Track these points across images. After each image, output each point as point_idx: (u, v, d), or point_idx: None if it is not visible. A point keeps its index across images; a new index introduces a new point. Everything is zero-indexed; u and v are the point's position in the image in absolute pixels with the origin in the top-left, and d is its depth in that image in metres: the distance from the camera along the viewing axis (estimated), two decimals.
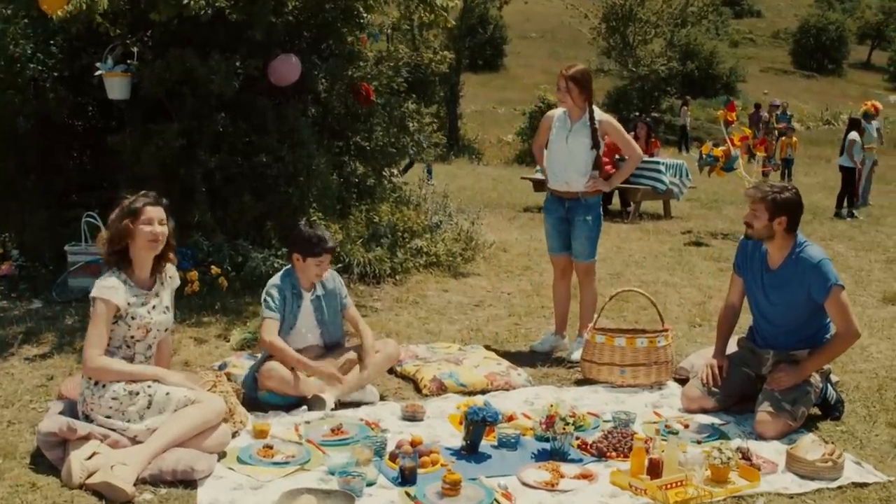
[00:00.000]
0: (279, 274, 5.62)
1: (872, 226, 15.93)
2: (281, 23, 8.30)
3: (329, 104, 9.22)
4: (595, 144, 6.54)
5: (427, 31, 21.70)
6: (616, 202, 15.62)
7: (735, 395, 5.50)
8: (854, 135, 16.97)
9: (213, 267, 7.81)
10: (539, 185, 15.18)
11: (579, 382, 6.16)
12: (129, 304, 4.43)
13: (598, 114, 6.61)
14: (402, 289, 8.59)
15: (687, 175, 15.08)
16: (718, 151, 12.84)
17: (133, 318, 4.45)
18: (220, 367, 5.80)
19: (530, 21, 66.35)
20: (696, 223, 14.58)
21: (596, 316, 6.38)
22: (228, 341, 6.63)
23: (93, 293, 4.37)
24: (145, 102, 8.28)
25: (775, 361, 5.43)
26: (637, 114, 35.92)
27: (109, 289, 4.36)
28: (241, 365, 5.79)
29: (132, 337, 4.48)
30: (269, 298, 5.42)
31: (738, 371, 5.53)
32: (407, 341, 6.88)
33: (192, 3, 7.02)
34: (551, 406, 4.81)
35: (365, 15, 8.79)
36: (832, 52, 66.80)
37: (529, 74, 50.99)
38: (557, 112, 6.75)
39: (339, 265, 8.45)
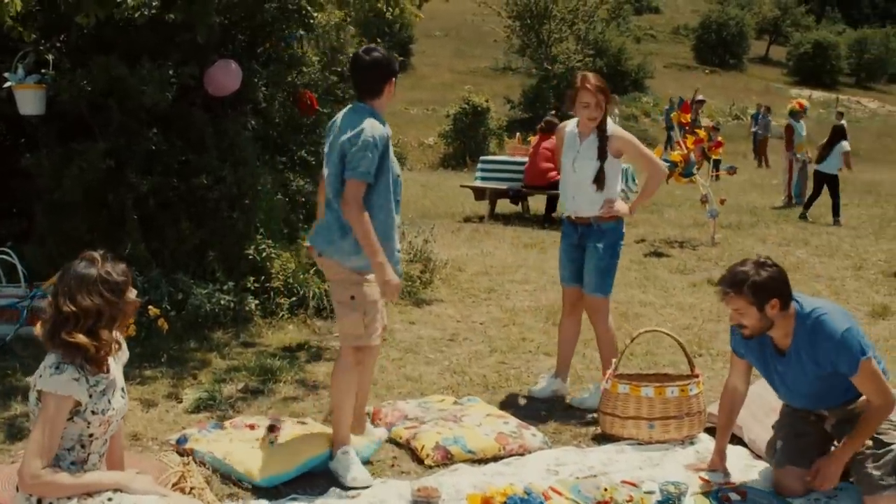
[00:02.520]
0: None
1: (821, 227, 15.53)
2: (216, 24, 7.26)
3: (270, 115, 8.22)
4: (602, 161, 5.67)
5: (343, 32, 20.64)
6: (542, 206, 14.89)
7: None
8: (845, 144, 16.49)
9: (150, 307, 6.70)
10: (480, 194, 14.34)
11: (598, 439, 5.33)
12: (90, 396, 3.42)
13: (611, 128, 5.74)
14: None
15: (633, 180, 14.39)
16: (676, 156, 12.15)
17: (94, 412, 3.43)
18: (181, 442, 4.80)
19: (434, 19, 65.46)
20: (644, 230, 13.89)
21: (615, 361, 5.52)
22: (181, 402, 5.61)
23: (43, 387, 3.33)
24: (63, 118, 7.19)
25: (836, 422, 4.58)
26: (552, 112, 35.43)
27: (69, 382, 3.34)
28: (206, 438, 4.80)
29: (90, 435, 3.46)
30: None
31: (809, 441, 4.60)
32: (387, 392, 5.97)
33: (128, 2, 5.90)
34: (605, 491, 3.95)
35: (315, 15, 7.79)
36: (733, 48, 67.66)
37: (437, 73, 50.16)
38: (569, 126, 5.87)
39: (293, 298, 7.48)
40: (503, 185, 14.23)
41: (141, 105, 7.00)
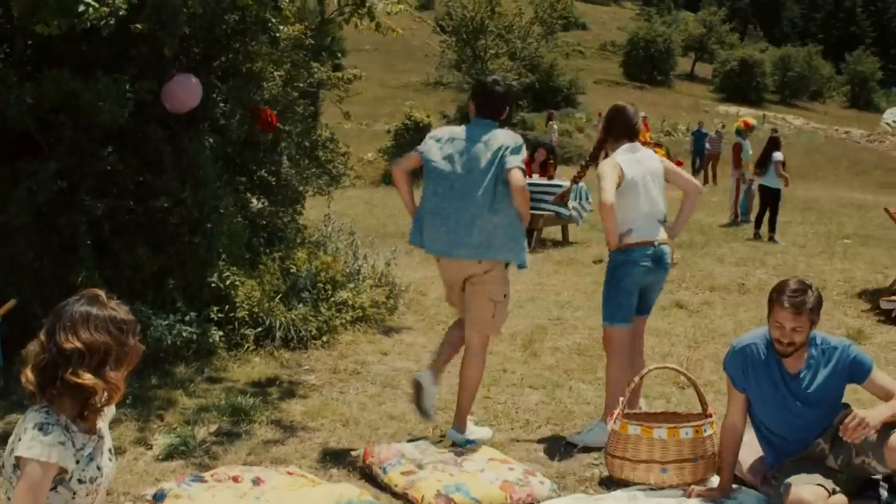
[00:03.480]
0: None
1: (771, 245, 15.46)
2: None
3: (228, 133, 7.73)
4: None
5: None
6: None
7: None
8: (778, 154, 16.44)
9: None
10: None
11: (606, 483, 4.97)
12: (77, 461, 2.96)
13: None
14: (333, 354, 7.20)
15: (587, 198, 14.16)
16: None
17: (81, 480, 2.97)
18: (158, 498, 4.32)
19: (364, 33, 65.23)
20: (601, 250, 13.60)
21: (622, 400, 5.16)
22: (151, 448, 5.13)
23: (23, 452, 2.86)
24: (8, 135, 6.63)
25: (832, 446, 4.43)
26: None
27: (54, 447, 2.87)
28: (186, 493, 4.32)
29: None
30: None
31: (816, 466, 4.41)
32: (372, 433, 5.56)
33: (89, 10, 5.39)
34: None
35: (280, 28, 7.35)
36: (661, 64, 68.55)
37: (368, 87, 49.63)
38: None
39: (259, 329, 7.02)
40: None
41: (94, 122, 6.49)
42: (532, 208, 12.78)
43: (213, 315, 6.79)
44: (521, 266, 5.38)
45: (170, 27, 6.14)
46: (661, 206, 5.62)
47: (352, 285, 8.01)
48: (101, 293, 3.03)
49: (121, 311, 3.01)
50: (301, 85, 8.27)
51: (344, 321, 7.69)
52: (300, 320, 7.20)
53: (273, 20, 7.19)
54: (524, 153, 5.21)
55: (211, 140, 7.54)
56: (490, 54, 32.15)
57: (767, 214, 16.38)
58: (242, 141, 7.96)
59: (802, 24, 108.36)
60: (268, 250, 7.73)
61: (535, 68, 43.53)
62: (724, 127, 32.48)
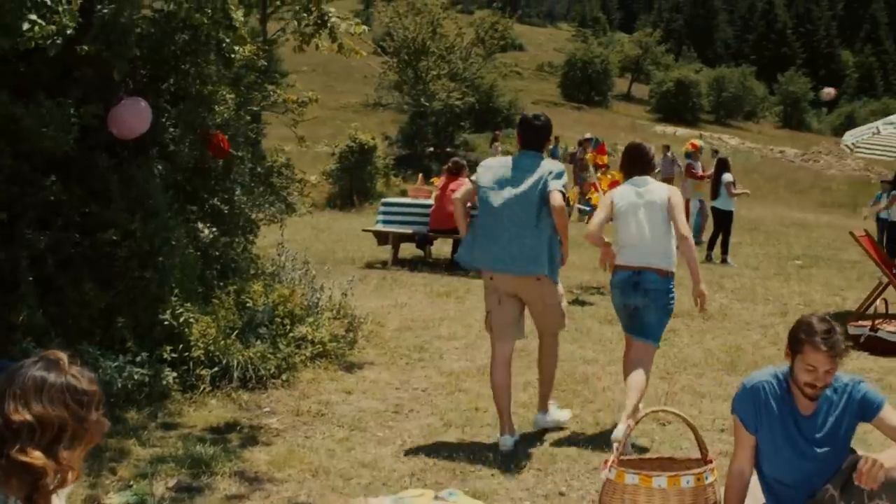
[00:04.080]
0: None
1: (726, 267, 15.33)
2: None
3: (178, 159, 7.30)
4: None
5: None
6: (445, 250, 14.25)
7: None
8: (728, 176, 16.35)
9: None
10: (383, 238, 13.58)
11: None
12: None
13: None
14: (295, 394, 6.78)
15: None
16: (597, 199, 11.65)
17: None
18: None
19: (301, 54, 64.64)
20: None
21: (617, 446, 4.82)
22: None
23: None
24: None
25: (842, 491, 4.15)
26: (431, 149, 34.93)
27: None
28: None
29: None
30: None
31: None
32: (345, 484, 5.15)
33: (35, 28, 4.93)
34: None
35: (235, 49, 6.94)
36: (598, 85, 68.83)
37: (308, 109, 49.18)
38: None
39: (215, 368, 6.58)
40: (407, 229, 13.49)
41: (36, 149, 6.03)
42: None
43: (166, 355, 6.34)
44: (555, 282, 6.10)
45: (118, 48, 5.72)
46: (652, 234, 6.05)
47: (311, 319, 7.60)
48: (63, 357, 2.61)
49: (83, 379, 2.60)
50: (255, 108, 7.86)
51: (304, 357, 7.28)
52: (258, 358, 6.77)
53: (227, 40, 6.79)
54: (565, 178, 5.92)
55: (160, 167, 7.09)
56: (432, 75, 31.82)
57: (720, 237, 16.33)
58: (192, 168, 7.53)
59: (735, 46, 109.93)
60: (221, 283, 7.30)
61: (476, 89, 43.36)
62: (667, 148, 32.41)
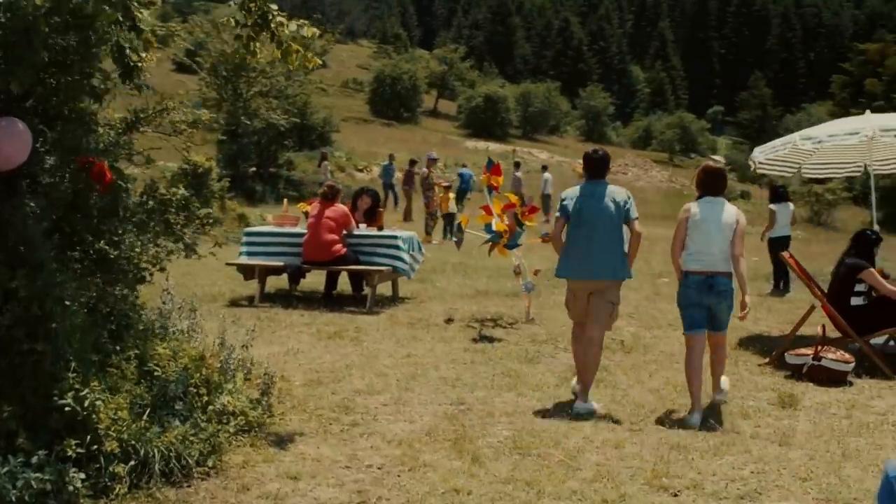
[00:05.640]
0: None
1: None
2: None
3: (55, 194, 5.81)
4: None
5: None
6: (344, 285, 12.98)
7: None
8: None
9: None
10: (249, 273, 12.14)
11: None
12: None
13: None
14: (230, 486, 5.38)
15: (420, 249, 12.80)
16: (501, 226, 10.65)
17: None
18: None
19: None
20: (446, 305, 12.30)
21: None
22: None
23: None
24: None
25: None
26: (254, 168, 33.24)
27: None
28: None
29: None
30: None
31: None
32: None
33: None
34: None
35: (141, 54, 5.52)
36: (408, 101, 68.58)
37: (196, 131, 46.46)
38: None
39: (133, 463, 5.14)
40: (276, 261, 12.10)
41: None
42: (365, 262, 11.17)
43: (70, 451, 4.86)
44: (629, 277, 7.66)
45: (18, 50, 4.25)
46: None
47: (229, 385, 6.23)
48: None
49: None
50: (148, 130, 6.43)
51: (228, 434, 5.91)
52: (180, 443, 5.38)
53: (129, 44, 5.38)
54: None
55: (33, 204, 5.60)
56: (253, 92, 30.22)
57: None
58: (70, 204, 6.04)
59: (534, 62, 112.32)
60: (118, 347, 5.83)
61: (292, 106, 41.93)
62: (517, 166, 32.00)
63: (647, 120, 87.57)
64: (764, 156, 10.66)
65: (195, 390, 5.92)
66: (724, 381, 7.82)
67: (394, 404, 7.36)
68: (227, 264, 12.37)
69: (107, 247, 6.23)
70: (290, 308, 11.55)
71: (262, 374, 6.93)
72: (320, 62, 6.75)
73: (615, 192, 7.47)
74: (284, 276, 12.71)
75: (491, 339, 10.07)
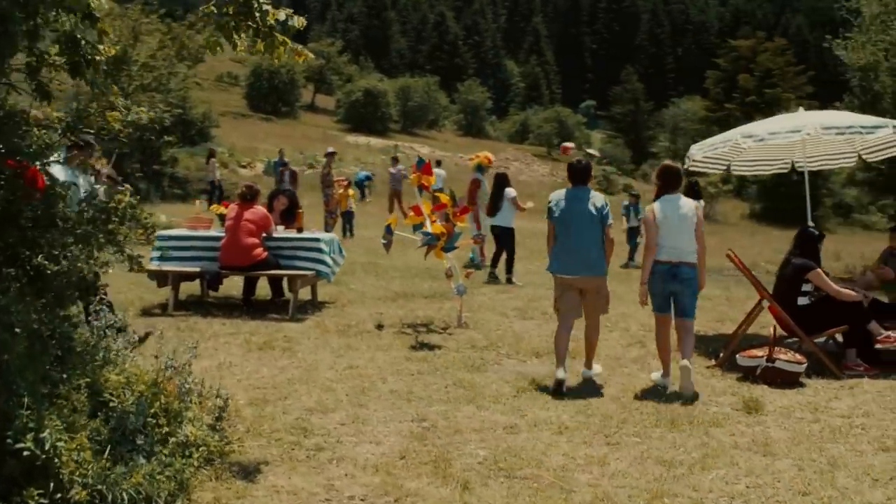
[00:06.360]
0: None
1: (517, 288, 14.41)
2: None
3: None
4: None
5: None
6: (264, 289, 12.34)
7: None
8: (511, 191, 15.35)
9: None
10: (162, 279, 11.40)
11: None
12: None
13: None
14: None
15: (340, 252, 12.26)
16: (439, 228, 10.18)
17: None
18: None
19: None
20: (370, 310, 11.79)
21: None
22: None
23: None
24: None
25: None
26: (137, 166, 31.96)
27: None
28: None
29: None
30: None
31: None
32: None
33: None
34: None
35: (100, 47, 4.88)
36: (286, 95, 67.48)
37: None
38: None
39: None
40: (191, 267, 11.38)
41: None
42: (286, 266, 10.58)
43: (31, 502, 4.22)
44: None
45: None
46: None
47: (189, 413, 5.63)
48: None
49: None
50: (90, 131, 5.77)
51: (193, 468, 5.32)
52: (148, 483, 4.78)
53: (85, 39, 4.75)
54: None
55: None
56: (135, 86, 28.98)
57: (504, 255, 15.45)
58: (1, 214, 5.37)
59: (410, 56, 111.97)
60: (64, 376, 5.18)
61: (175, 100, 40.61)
62: (396, 161, 31.54)
63: (524, 114, 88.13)
64: (702, 153, 10.50)
65: (154, 421, 5.32)
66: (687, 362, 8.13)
67: (352, 423, 6.85)
68: (135, 270, 11.53)
69: (45, 261, 5.56)
70: (208, 316, 10.87)
71: (214, 395, 6.35)
72: (313, 56, 6.17)
73: (596, 197, 8.28)
74: (197, 281, 12.00)
75: (430, 347, 9.62)
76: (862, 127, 9.72)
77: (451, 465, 5.95)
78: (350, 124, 67.75)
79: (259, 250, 11.11)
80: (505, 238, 15.54)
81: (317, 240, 11.49)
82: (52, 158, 5.65)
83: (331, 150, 24.60)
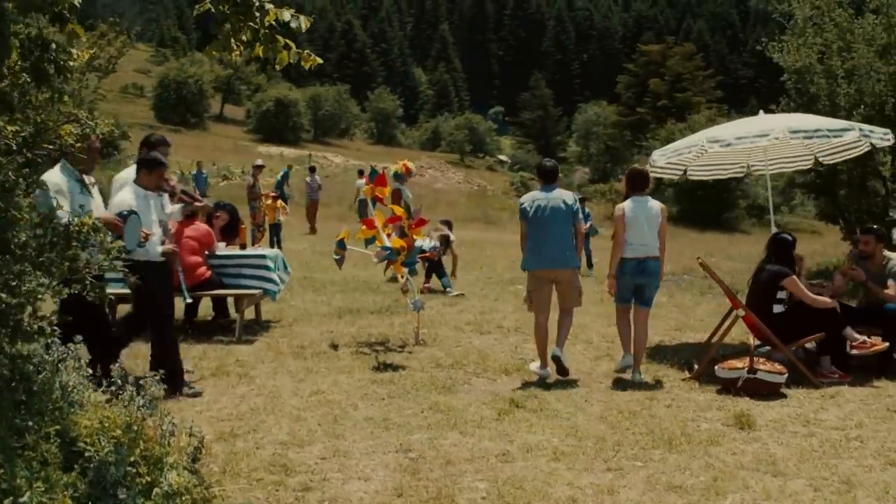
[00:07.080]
0: None
1: (459, 299, 14.01)
2: None
3: None
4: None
5: None
6: (206, 309, 11.69)
7: None
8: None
9: None
10: None
11: None
12: None
13: None
14: None
15: (286, 268, 11.69)
16: (398, 242, 9.69)
17: None
18: None
19: None
20: (319, 328, 11.24)
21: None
22: None
23: None
24: None
25: None
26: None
27: None
28: None
29: None
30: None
31: None
32: None
33: None
34: None
35: (71, 51, 4.30)
36: (194, 106, 66.17)
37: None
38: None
39: None
40: (126, 289, 10.66)
41: None
42: (230, 285, 9.88)
43: None
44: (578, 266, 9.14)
45: None
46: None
47: (170, 459, 5.06)
48: None
49: None
50: (51, 147, 5.17)
51: None
52: None
53: (55, 42, 4.19)
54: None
55: None
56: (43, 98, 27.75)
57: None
58: None
59: (318, 65, 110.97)
60: (30, 423, 4.58)
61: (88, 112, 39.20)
62: (315, 171, 30.85)
63: (435, 121, 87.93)
64: (665, 159, 10.20)
65: (134, 470, 4.74)
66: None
67: (333, 457, 6.34)
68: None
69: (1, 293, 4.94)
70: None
71: (187, 433, 5.77)
72: (320, 60, 5.64)
73: (565, 195, 8.91)
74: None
75: (394, 367, 9.13)
76: (829, 130, 9.54)
77: (454, 501, 5.49)
78: (261, 134, 66.67)
79: (202, 269, 10.49)
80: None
81: (263, 256, 10.91)
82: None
83: (258, 162, 23.88)
